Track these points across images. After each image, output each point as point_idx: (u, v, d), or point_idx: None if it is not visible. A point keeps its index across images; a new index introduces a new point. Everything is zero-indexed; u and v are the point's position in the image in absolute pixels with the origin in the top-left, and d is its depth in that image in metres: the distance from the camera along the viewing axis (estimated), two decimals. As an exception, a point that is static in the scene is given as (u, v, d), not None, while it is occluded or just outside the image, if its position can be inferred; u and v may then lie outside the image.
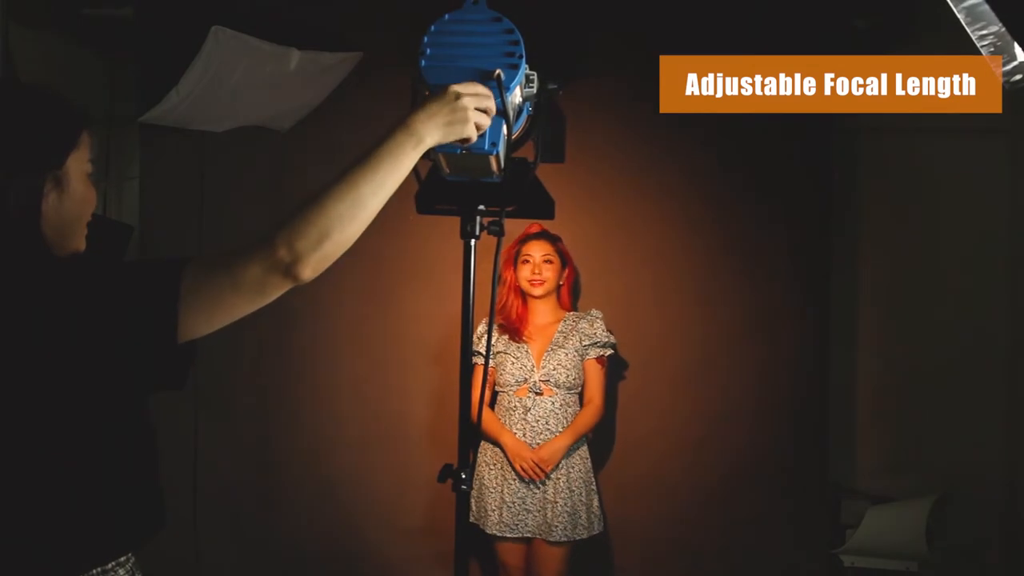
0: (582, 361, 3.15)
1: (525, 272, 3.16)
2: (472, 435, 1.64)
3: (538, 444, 3.04)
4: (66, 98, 1.33)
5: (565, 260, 3.23)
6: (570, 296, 3.26)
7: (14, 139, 1.26)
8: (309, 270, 1.22)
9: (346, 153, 3.74)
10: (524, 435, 3.06)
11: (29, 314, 1.21)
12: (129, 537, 1.35)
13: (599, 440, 3.40)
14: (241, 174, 3.58)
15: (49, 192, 1.28)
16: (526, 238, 3.20)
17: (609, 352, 3.18)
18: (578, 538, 3.04)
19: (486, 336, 3.06)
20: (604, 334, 3.17)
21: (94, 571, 1.30)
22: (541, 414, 3.06)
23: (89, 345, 1.21)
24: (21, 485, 1.26)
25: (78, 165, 1.32)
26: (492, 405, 3.20)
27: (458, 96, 1.30)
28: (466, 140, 1.34)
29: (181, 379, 1.28)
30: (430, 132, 1.29)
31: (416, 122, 1.29)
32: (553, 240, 3.21)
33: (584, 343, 3.14)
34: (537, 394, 3.08)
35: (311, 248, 1.21)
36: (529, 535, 3.03)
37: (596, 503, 3.12)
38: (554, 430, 3.06)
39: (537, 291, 3.16)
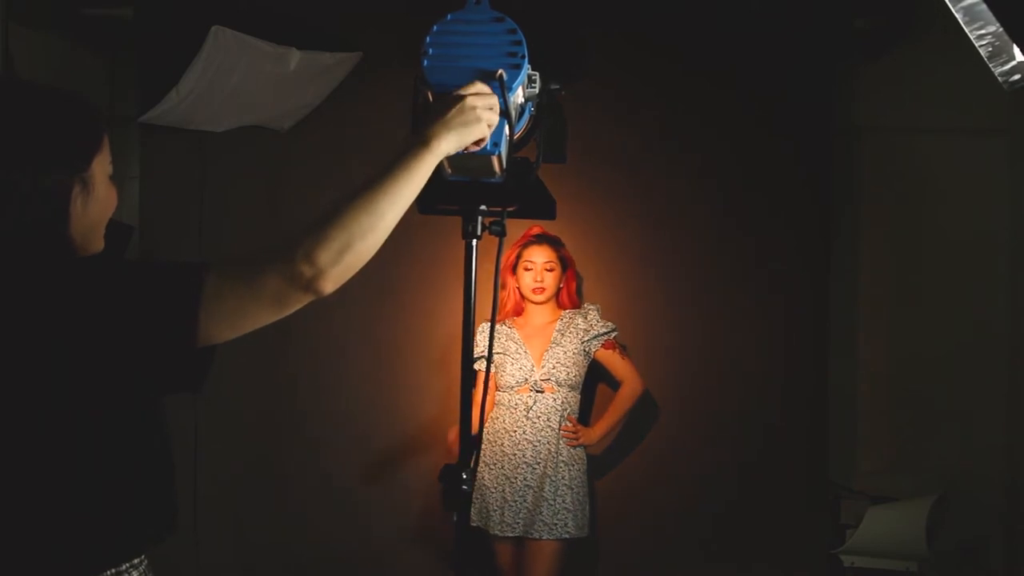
0: (586, 358, 3.16)
1: (527, 280, 3.15)
2: (473, 443, 1.64)
3: (539, 441, 3.05)
4: (86, 99, 1.33)
5: (566, 265, 3.21)
6: (571, 299, 3.24)
7: (43, 142, 1.27)
8: (330, 283, 1.22)
9: (346, 153, 3.74)
10: (525, 433, 3.06)
11: (56, 316, 1.21)
12: (142, 539, 1.35)
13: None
14: (241, 174, 3.58)
15: (77, 195, 1.28)
16: (527, 243, 3.19)
17: (614, 334, 3.19)
18: (575, 536, 3.04)
19: (487, 339, 3.06)
20: (601, 324, 3.18)
21: (108, 572, 1.30)
22: (543, 411, 3.07)
23: (111, 346, 1.21)
24: (37, 485, 1.26)
25: (102, 167, 1.33)
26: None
27: (464, 99, 1.31)
28: (481, 141, 1.34)
29: (199, 384, 1.27)
30: (447, 141, 1.30)
31: (432, 134, 1.29)
32: (555, 246, 3.18)
33: (585, 339, 3.15)
34: (539, 392, 3.08)
35: (332, 261, 1.20)
36: (536, 535, 3.02)
37: (588, 505, 3.14)
38: (555, 428, 3.07)
39: (539, 298, 3.15)
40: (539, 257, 3.15)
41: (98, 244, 1.35)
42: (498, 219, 1.59)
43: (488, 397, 3.07)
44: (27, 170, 1.24)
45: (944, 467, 3.36)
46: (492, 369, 3.15)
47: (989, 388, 3.30)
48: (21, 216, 1.24)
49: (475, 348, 3.11)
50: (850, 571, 3.31)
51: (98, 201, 1.32)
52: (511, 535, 3.04)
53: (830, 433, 3.56)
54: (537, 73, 1.47)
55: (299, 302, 1.24)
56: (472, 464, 1.63)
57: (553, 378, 3.10)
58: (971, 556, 3.35)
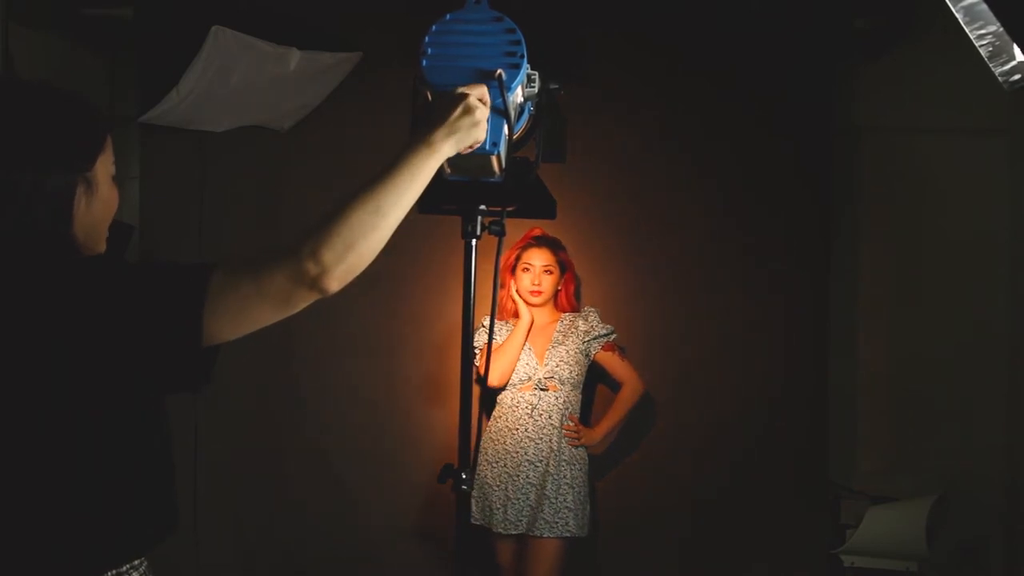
0: (586, 358, 3.17)
1: (525, 282, 3.15)
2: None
3: (540, 439, 3.06)
4: (89, 100, 1.33)
5: (565, 268, 3.22)
6: (569, 301, 3.25)
7: (47, 142, 1.27)
8: (335, 282, 1.23)
9: (346, 153, 3.73)
10: (527, 431, 3.07)
11: (58, 315, 1.21)
12: (143, 540, 1.35)
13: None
14: (241, 174, 3.58)
15: (80, 195, 1.29)
16: (527, 245, 3.19)
17: (613, 336, 3.21)
18: (575, 535, 3.04)
19: (488, 333, 3.07)
20: (601, 326, 3.20)
21: (109, 573, 1.30)
22: (546, 408, 3.08)
23: (113, 345, 1.21)
24: (37, 485, 1.26)
25: (105, 168, 1.33)
26: (492, 404, 3.20)
27: (466, 100, 1.32)
28: (476, 142, 1.35)
29: (200, 384, 1.28)
30: (449, 143, 1.32)
31: (436, 137, 1.30)
32: (555, 248, 3.19)
33: (585, 340, 3.16)
34: (543, 390, 3.09)
35: (337, 260, 1.21)
36: (537, 533, 3.02)
37: (589, 504, 3.14)
38: (557, 426, 3.07)
39: (536, 300, 3.16)
40: (538, 260, 3.16)
41: (101, 244, 1.36)
42: (498, 219, 1.60)
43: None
44: (31, 170, 1.24)
45: (944, 467, 3.35)
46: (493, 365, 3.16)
47: (989, 388, 3.29)
48: (24, 216, 1.24)
49: (475, 345, 3.13)
50: (850, 571, 3.31)
51: (101, 201, 1.32)
52: (514, 532, 3.04)
53: (830, 433, 3.56)
54: (536, 73, 1.48)
55: (304, 301, 1.24)
56: (471, 463, 1.64)
57: (556, 376, 3.11)
58: (971, 556, 3.35)
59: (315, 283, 1.21)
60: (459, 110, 1.32)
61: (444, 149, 1.31)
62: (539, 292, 3.15)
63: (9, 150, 1.24)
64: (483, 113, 1.34)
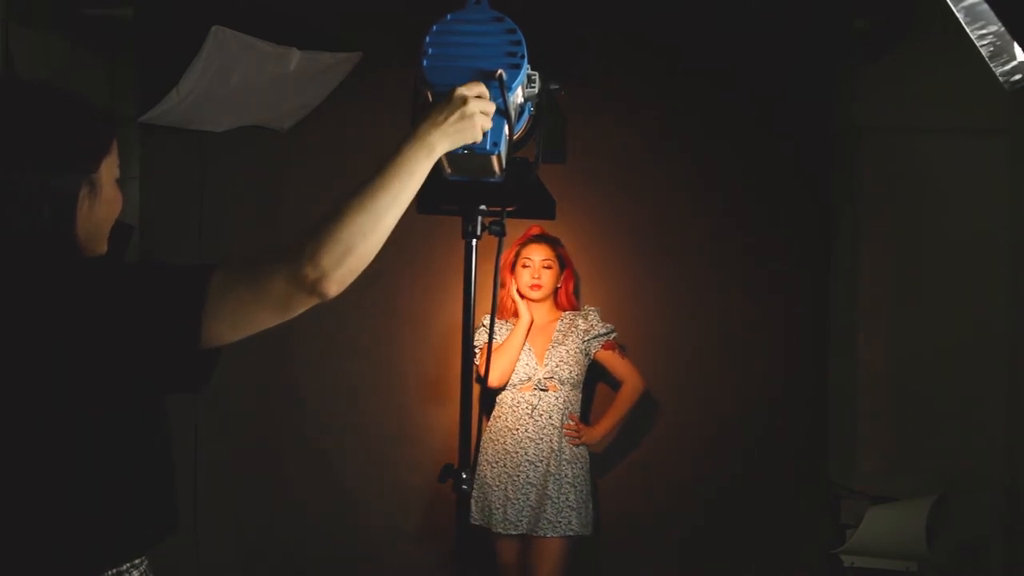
0: (586, 358, 3.18)
1: (525, 277, 3.17)
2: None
3: (541, 439, 3.06)
4: (97, 102, 1.33)
5: (564, 264, 3.23)
6: (568, 299, 3.26)
7: (55, 143, 1.27)
8: (335, 286, 1.22)
9: (346, 153, 3.73)
10: (527, 431, 3.07)
11: (59, 316, 1.21)
12: (143, 539, 1.35)
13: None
14: (241, 174, 3.58)
15: (84, 196, 1.29)
16: (526, 241, 3.21)
17: (613, 335, 3.22)
18: (579, 533, 3.04)
19: (487, 334, 3.08)
20: (601, 325, 3.21)
21: (108, 572, 1.30)
22: (546, 409, 3.09)
23: (113, 346, 1.21)
24: (37, 485, 1.26)
25: (110, 170, 1.34)
26: (491, 404, 3.20)
27: (465, 101, 1.32)
28: (472, 142, 1.35)
29: (199, 385, 1.28)
30: (441, 141, 1.31)
31: (428, 133, 1.30)
32: (554, 244, 3.21)
33: (585, 339, 3.16)
34: (543, 391, 3.10)
35: (336, 264, 1.21)
36: (540, 533, 3.02)
37: (592, 503, 3.14)
38: (557, 426, 3.08)
39: (536, 295, 3.17)
40: (537, 255, 3.17)
41: (102, 246, 1.36)
42: (498, 219, 1.60)
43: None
44: (37, 171, 1.24)
45: (944, 467, 3.35)
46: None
47: (989, 388, 3.29)
48: (27, 216, 1.24)
49: (475, 344, 3.13)
50: (850, 571, 3.30)
51: (105, 203, 1.33)
52: (514, 533, 3.04)
53: (830, 433, 3.56)
54: (537, 73, 1.48)
55: (304, 305, 1.24)
56: (472, 462, 1.64)
57: (556, 376, 3.11)
58: (971, 556, 3.34)
59: (314, 287, 1.21)
60: (455, 109, 1.31)
61: (437, 146, 1.31)
62: (539, 286, 3.16)
63: (16, 150, 1.24)
64: (480, 114, 1.33)
